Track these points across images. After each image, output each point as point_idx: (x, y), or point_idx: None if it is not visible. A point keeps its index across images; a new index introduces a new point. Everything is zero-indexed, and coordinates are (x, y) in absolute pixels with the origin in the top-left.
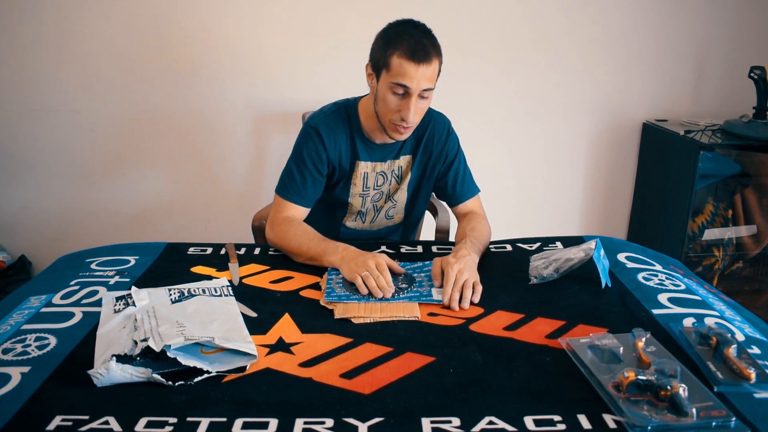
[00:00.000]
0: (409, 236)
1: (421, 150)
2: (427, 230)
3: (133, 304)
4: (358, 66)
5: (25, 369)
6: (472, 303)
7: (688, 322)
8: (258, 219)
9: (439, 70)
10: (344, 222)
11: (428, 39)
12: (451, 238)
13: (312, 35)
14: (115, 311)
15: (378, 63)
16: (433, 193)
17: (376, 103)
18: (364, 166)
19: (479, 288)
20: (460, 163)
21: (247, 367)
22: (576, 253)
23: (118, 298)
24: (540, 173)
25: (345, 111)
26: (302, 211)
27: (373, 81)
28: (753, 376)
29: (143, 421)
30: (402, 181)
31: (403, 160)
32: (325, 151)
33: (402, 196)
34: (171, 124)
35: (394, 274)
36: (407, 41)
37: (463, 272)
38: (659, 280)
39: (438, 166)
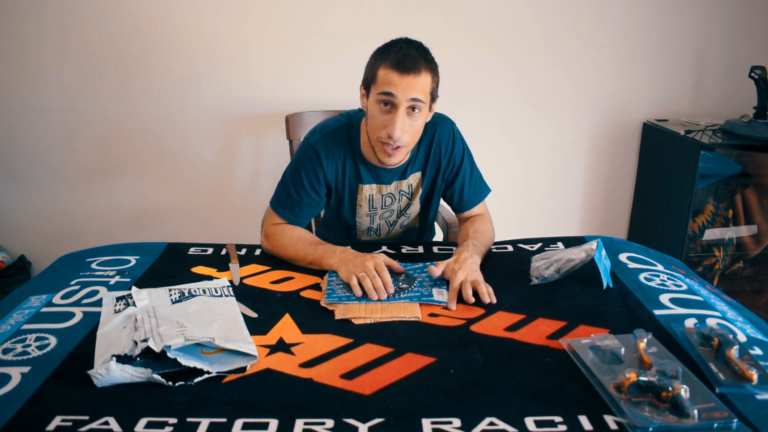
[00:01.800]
0: (425, 235)
1: (430, 163)
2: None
3: (134, 304)
4: (347, 66)
5: (25, 369)
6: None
7: (689, 322)
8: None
9: (434, 87)
10: (359, 237)
11: (419, 52)
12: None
13: (303, 36)
14: (116, 311)
15: (367, 79)
16: None
17: (367, 124)
18: (368, 189)
19: (490, 289)
20: (467, 169)
21: (248, 368)
22: (577, 254)
23: (118, 298)
24: (540, 173)
25: (347, 133)
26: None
27: (365, 100)
28: (755, 377)
29: (143, 421)
30: (413, 197)
31: (412, 179)
32: (323, 171)
33: (414, 209)
34: (171, 125)
35: (395, 274)
36: (394, 53)
37: (469, 275)
38: (661, 280)
39: (447, 174)
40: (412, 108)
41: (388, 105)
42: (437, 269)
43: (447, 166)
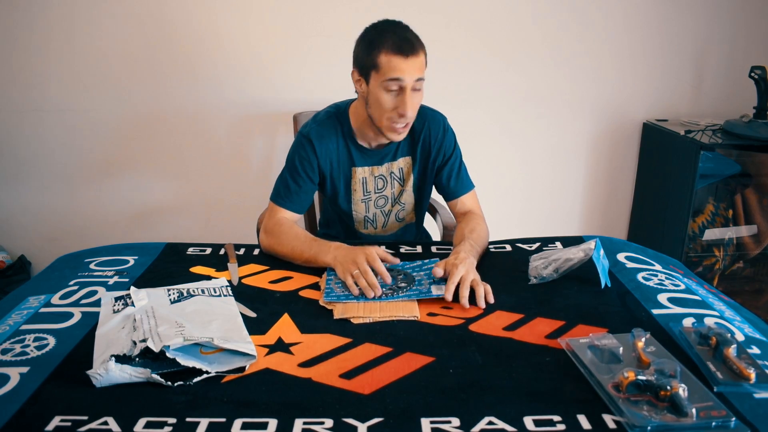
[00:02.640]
0: (421, 236)
1: (419, 150)
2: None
3: (132, 304)
4: (349, 64)
5: (24, 369)
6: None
7: (687, 322)
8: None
9: (426, 62)
10: (358, 230)
11: (410, 33)
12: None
13: (307, 35)
14: (114, 311)
15: (365, 66)
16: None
17: (368, 107)
18: (361, 172)
19: (488, 288)
20: (456, 159)
21: (247, 368)
22: (575, 253)
23: (117, 299)
24: (540, 173)
25: (336, 119)
26: (295, 217)
27: (362, 86)
28: (753, 376)
29: (142, 421)
30: (405, 183)
31: (402, 162)
32: (317, 159)
33: (408, 198)
34: (171, 124)
35: (394, 273)
36: (391, 38)
37: (469, 273)
38: (659, 280)
39: (437, 163)
40: (416, 84)
41: (395, 89)
42: (440, 269)
43: (437, 156)
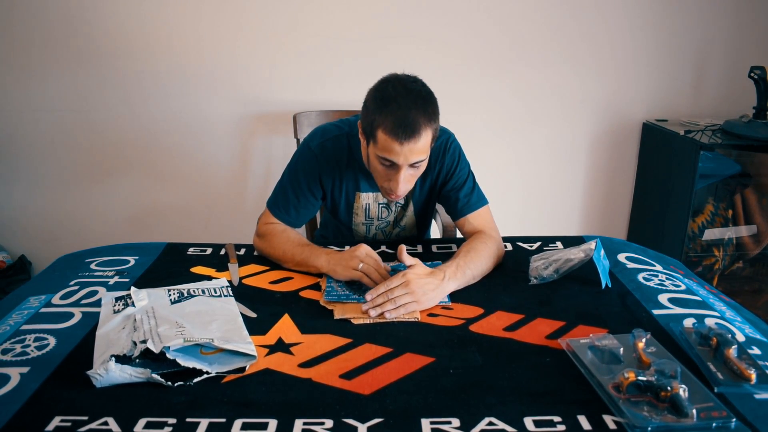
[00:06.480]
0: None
1: (420, 176)
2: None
3: (133, 304)
4: (348, 65)
5: (25, 369)
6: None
7: (688, 322)
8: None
9: (434, 135)
10: (356, 239)
11: (417, 108)
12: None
13: (307, 35)
14: (115, 312)
15: (366, 130)
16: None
17: (368, 165)
18: (365, 197)
19: (410, 308)
20: (459, 178)
21: (247, 368)
22: (576, 254)
23: (117, 299)
24: (540, 173)
25: (347, 141)
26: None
27: (364, 142)
28: (753, 376)
29: (142, 421)
30: (406, 208)
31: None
32: (320, 175)
33: (410, 221)
34: (171, 124)
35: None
36: (393, 114)
37: (411, 286)
38: (659, 280)
39: (438, 183)
40: (414, 164)
41: (389, 165)
42: (406, 257)
43: (438, 176)
